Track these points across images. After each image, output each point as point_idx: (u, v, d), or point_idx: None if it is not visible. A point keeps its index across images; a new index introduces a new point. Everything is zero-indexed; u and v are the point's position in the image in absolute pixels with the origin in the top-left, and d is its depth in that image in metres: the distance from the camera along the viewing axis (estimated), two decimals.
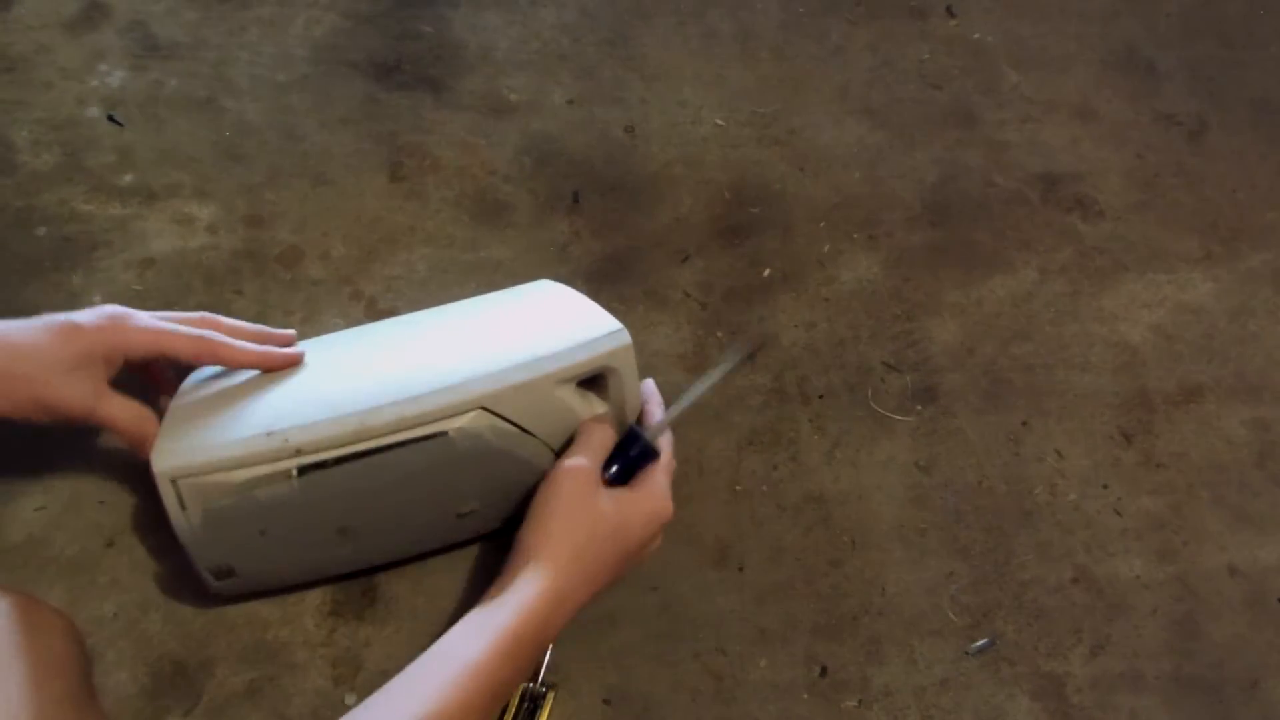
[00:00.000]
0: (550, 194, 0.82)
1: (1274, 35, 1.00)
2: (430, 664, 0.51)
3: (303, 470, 0.55)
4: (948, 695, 0.64)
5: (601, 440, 0.60)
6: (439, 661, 0.51)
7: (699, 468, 0.71)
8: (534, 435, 0.59)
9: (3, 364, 0.53)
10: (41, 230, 0.75)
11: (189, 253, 0.75)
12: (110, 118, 0.81)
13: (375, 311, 0.74)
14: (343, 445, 0.55)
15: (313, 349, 0.62)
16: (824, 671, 0.64)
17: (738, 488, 0.70)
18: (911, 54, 0.94)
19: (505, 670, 0.51)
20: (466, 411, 0.56)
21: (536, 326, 0.62)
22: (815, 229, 0.83)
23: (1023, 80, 0.94)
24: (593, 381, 0.61)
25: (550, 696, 0.60)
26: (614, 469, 0.59)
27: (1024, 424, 0.75)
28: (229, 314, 0.71)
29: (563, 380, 0.59)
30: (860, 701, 0.63)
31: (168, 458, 0.54)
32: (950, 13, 0.98)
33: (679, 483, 0.69)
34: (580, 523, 0.56)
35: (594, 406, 0.61)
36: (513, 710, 0.60)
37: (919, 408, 0.75)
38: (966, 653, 0.65)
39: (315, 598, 0.63)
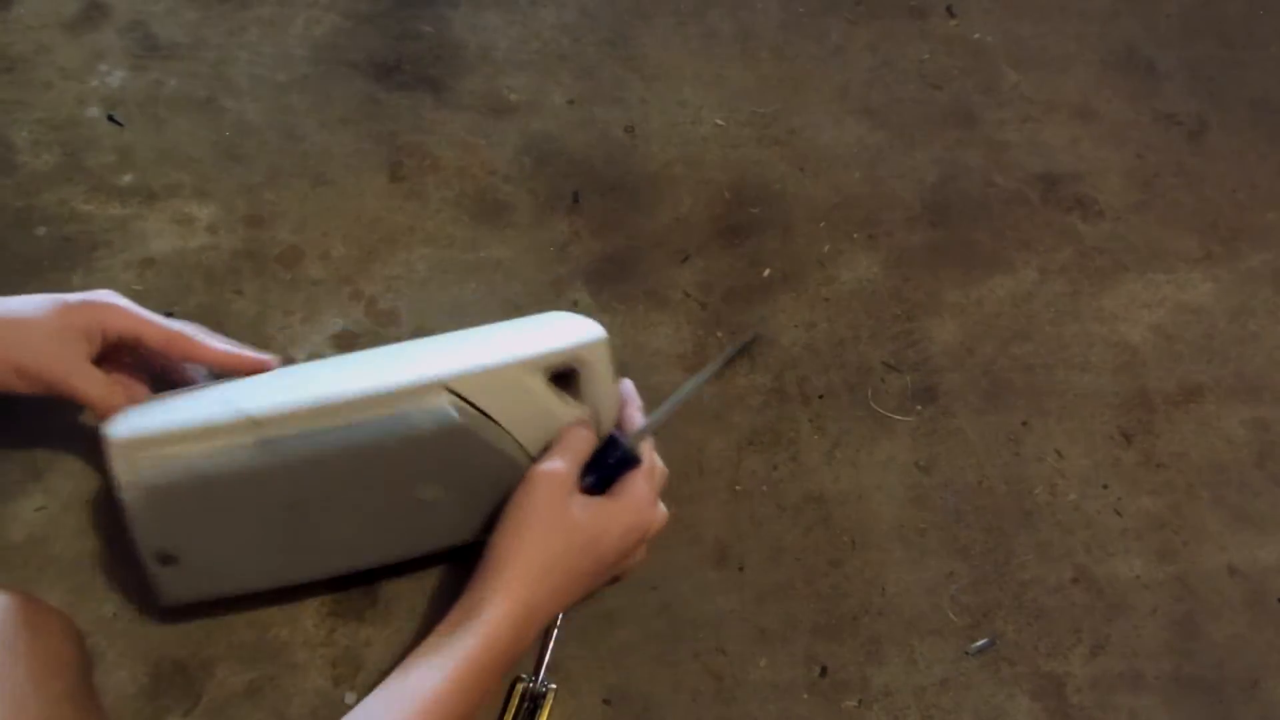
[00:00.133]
0: (550, 194, 0.82)
1: (1274, 35, 1.00)
2: (390, 699, 0.50)
3: (260, 445, 0.54)
4: (948, 695, 0.64)
5: (579, 445, 0.58)
6: (399, 697, 0.49)
7: (699, 468, 0.71)
8: (501, 426, 0.57)
9: None
10: (41, 230, 0.75)
11: (189, 253, 0.75)
12: (110, 118, 0.81)
13: (375, 311, 0.74)
14: (302, 422, 0.54)
15: (293, 367, 0.63)
16: (824, 671, 0.64)
17: (738, 488, 0.70)
18: (911, 54, 0.94)
19: (470, 700, 0.50)
20: (430, 392, 0.55)
21: (515, 331, 0.62)
22: (815, 229, 0.83)
23: (1023, 80, 0.94)
24: (569, 384, 0.59)
25: (550, 696, 0.60)
26: (592, 477, 0.57)
27: (1024, 424, 0.75)
28: (229, 314, 0.71)
29: (532, 369, 0.57)
30: (860, 701, 0.63)
31: (121, 426, 0.54)
32: (950, 13, 0.98)
33: (679, 483, 0.69)
34: (553, 532, 0.54)
35: (572, 411, 0.59)
36: (513, 710, 0.60)
37: (919, 408, 0.75)
38: (966, 653, 0.65)
39: (315, 598, 0.63)
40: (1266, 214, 0.88)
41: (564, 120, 0.86)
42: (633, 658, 0.63)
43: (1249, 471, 0.74)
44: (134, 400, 0.59)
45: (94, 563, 0.63)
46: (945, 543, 0.69)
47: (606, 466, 0.58)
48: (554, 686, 0.61)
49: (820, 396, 0.74)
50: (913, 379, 0.76)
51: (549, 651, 0.61)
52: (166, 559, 0.56)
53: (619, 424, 0.61)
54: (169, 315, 0.62)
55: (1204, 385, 0.78)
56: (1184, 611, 0.68)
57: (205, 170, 0.79)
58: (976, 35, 0.97)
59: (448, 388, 0.55)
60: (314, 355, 0.72)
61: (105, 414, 0.57)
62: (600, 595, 0.65)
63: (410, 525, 0.59)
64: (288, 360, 0.64)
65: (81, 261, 0.74)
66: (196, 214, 0.77)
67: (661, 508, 0.61)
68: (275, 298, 0.74)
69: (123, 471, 0.53)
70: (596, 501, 0.56)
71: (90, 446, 0.66)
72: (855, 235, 0.83)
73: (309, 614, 0.63)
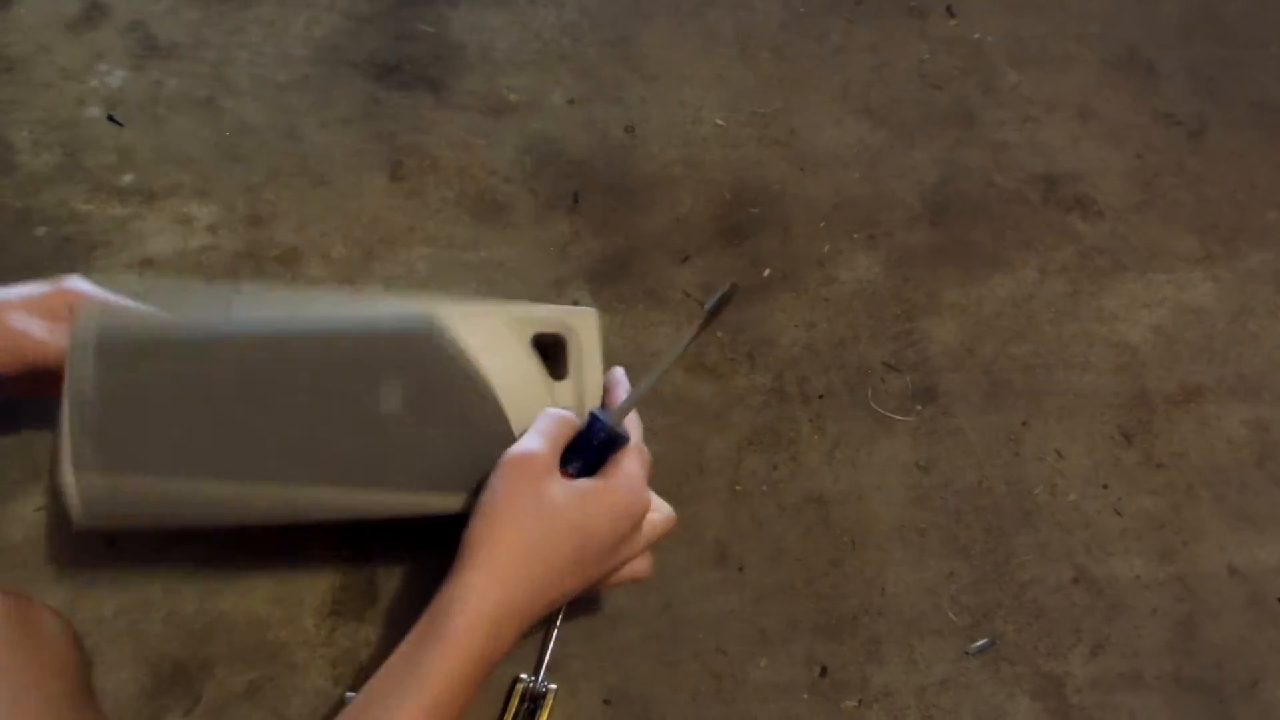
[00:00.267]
0: (550, 194, 0.82)
1: (1274, 35, 1.00)
2: None
3: (222, 321, 0.53)
4: (948, 695, 0.64)
5: (560, 428, 0.53)
6: None
7: (699, 468, 0.71)
8: (479, 369, 0.54)
9: None
10: (41, 230, 0.75)
11: (189, 253, 0.75)
12: (110, 118, 0.81)
13: None
14: (272, 314, 0.54)
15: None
16: (824, 671, 0.64)
17: (738, 488, 0.70)
18: (911, 54, 0.94)
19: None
20: (412, 316, 0.54)
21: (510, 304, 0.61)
22: (815, 229, 0.83)
23: (1023, 80, 0.94)
24: (556, 358, 0.57)
25: (550, 696, 0.60)
26: (578, 463, 0.53)
27: (1024, 424, 0.75)
28: None
29: (516, 321, 0.56)
30: (860, 701, 0.63)
31: (92, 315, 0.53)
32: (950, 13, 0.98)
33: (679, 483, 0.69)
34: (529, 517, 0.50)
35: (556, 395, 0.57)
36: (513, 710, 0.60)
37: (919, 408, 0.75)
38: (966, 653, 0.65)
39: (315, 598, 0.63)
40: (1266, 214, 0.88)
41: (564, 120, 0.86)
42: (633, 658, 0.63)
43: (1249, 471, 0.74)
44: None
45: (94, 563, 0.63)
46: (945, 543, 0.69)
47: (591, 449, 0.53)
48: (554, 686, 0.61)
49: (820, 396, 0.74)
50: (913, 379, 0.76)
51: (549, 651, 0.61)
52: (98, 447, 0.51)
53: (603, 405, 0.58)
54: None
55: (1204, 385, 0.78)
56: (1184, 611, 0.68)
57: (205, 170, 0.79)
58: (976, 35, 0.97)
59: (431, 319, 0.54)
60: None
61: None
62: (600, 597, 0.65)
63: (369, 451, 0.54)
64: None
65: (81, 261, 0.74)
66: (196, 214, 0.77)
67: (667, 507, 0.57)
68: None
69: (78, 326, 0.52)
70: (579, 483, 0.52)
71: None
72: (855, 235, 0.83)
73: (309, 614, 0.63)
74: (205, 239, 0.76)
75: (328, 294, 0.62)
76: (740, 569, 0.67)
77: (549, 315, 0.57)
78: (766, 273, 0.80)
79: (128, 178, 0.78)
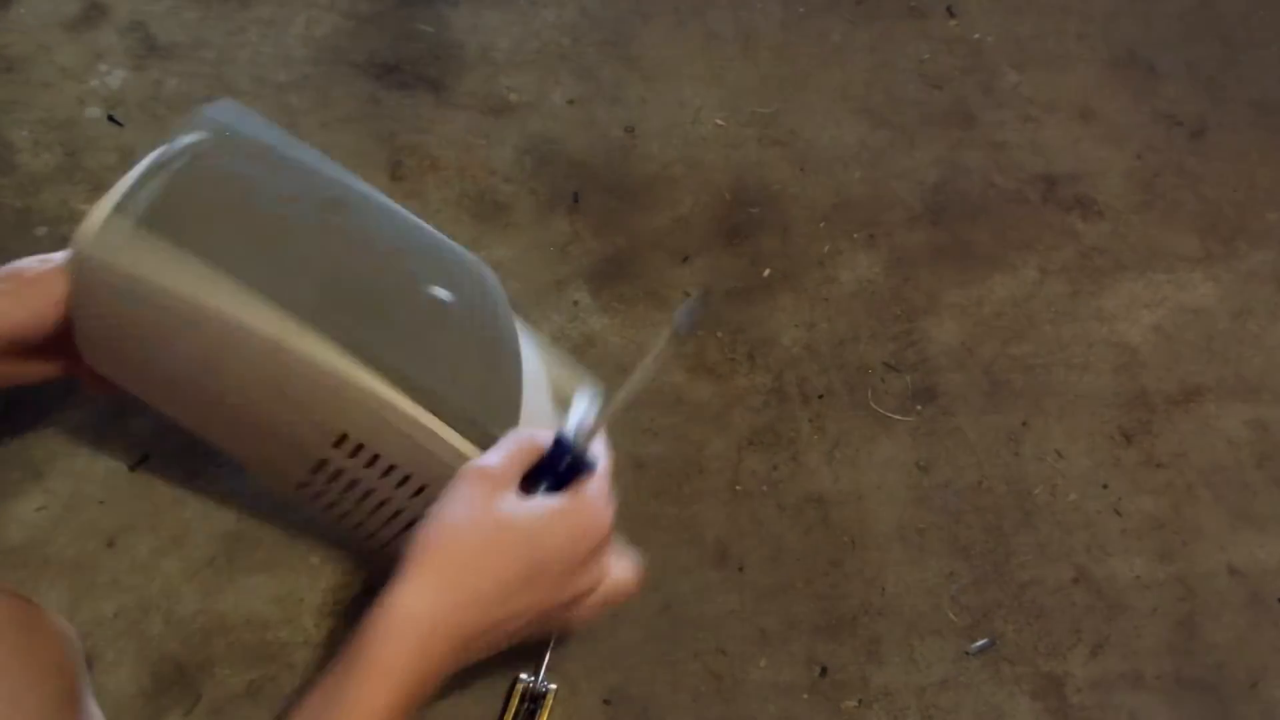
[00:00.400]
0: (550, 194, 0.82)
1: (1274, 35, 1.00)
2: None
3: (326, 177, 0.53)
4: (948, 695, 0.64)
5: (520, 448, 0.49)
6: None
7: (699, 468, 0.71)
8: (518, 331, 0.56)
9: (31, 268, 0.52)
10: (41, 230, 0.75)
11: None
12: (110, 118, 0.81)
13: None
14: (369, 192, 0.55)
15: None
16: (824, 671, 0.64)
17: (738, 488, 0.70)
18: (911, 54, 0.94)
19: None
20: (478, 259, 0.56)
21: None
22: (815, 229, 0.83)
23: (1023, 80, 0.94)
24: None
25: (550, 696, 0.60)
26: (543, 487, 0.49)
27: (1024, 424, 0.75)
28: None
29: (541, 345, 0.57)
30: (860, 701, 0.63)
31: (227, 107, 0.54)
32: (950, 13, 0.98)
33: (679, 483, 0.69)
34: (475, 525, 0.45)
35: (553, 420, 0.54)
36: (513, 710, 0.60)
37: (919, 408, 0.75)
38: (966, 653, 0.65)
39: (315, 598, 0.63)
40: (1266, 214, 0.88)
41: (564, 120, 0.86)
42: (633, 658, 0.63)
43: (1249, 471, 0.74)
44: None
45: (94, 563, 0.63)
46: (945, 543, 0.69)
47: (556, 473, 0.49)
48: (554, 686, 0.61)
49: (820, 396, 0.74)
50: (913, 379, 0.76)
51: (549, 651, 0.61)
52: (153, 203, 0.47)
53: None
54: None
55: (1204, 385, 0.78)
56: (1184, 611, 0.68)
57: None
58: (976, 35, 0.97)
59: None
60: None
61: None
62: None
63: (407, 338, 0.50)
64: None
65: None
66: None
67: (632, 564, 0.52)
68: None
69: (209, 107, 0.52)
70: (534, 499, 0.47)
71: (90, 447, 0.66)
72: (855, 235, 0.83)
73: (309, 614, 0.63)
74: None
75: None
76: (740, 569, 0.67)
77: (565, 370, 0.57)
78: (766, 273, 0.80)
79: None
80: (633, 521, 0.68)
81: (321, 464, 0.51)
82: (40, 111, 0.81)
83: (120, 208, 0.47)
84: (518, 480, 0.48)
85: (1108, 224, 0.86)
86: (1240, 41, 0.99)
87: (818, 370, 0.76)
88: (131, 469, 0.65)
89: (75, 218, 0.76)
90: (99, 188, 0.77)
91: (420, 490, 0.52)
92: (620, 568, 0.52)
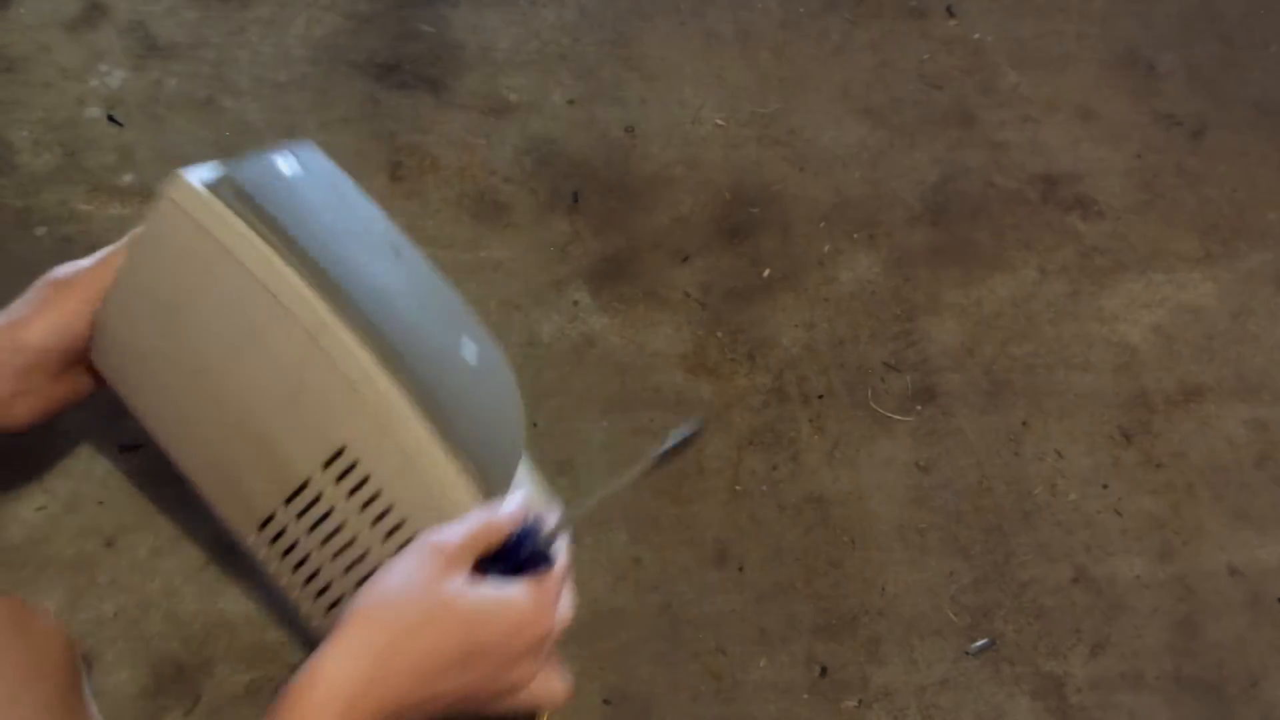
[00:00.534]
0: (550, 194, 0.82)
1: (1274, 35, 1.00)
2: None
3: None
4: (948, 695, 0.64)
5: (485, 530, 0.47)
6: None
7: (699, 468, 0.71)
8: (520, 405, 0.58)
9: (66, 273, 0.53)
10: (41, 230, 0.75)
11: None
12: (110, 118, 0.81)
13: None
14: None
15: None
16: (824, 671, 0.64)
17: (738, 488, 0.70)
18: (911, 54, 0.94)
19: None
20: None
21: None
22: (815, 229, 0.83)
23: (1023, 80, 0.94)
24: None
25: None
26: (497, 572, 0.48)
27: (1024, 424, 0.75)
28: None
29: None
30: (860, 701, 0.63)
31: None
32: (950, 13, 0.98)
33: (679, 483, 0.69)
34: (418, 599, 0.44)
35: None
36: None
37: (919, 408, 0.75)
38: (966, 653, 0.65)
39: None
40: (1266, 214, 0.88)
41: (564, 120, 0.86)
42: (633, 658, 0.63)
43: (1249, 471, 0.74)
44: None
45: (94, 563, 0.63)
46: (945, 543, 0.69)
47: (514, 561, 0.48)
48: None
49: (820, 396, 0.74)
50: (913, 379, 0.76)
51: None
52: (244, 183, 0.49)
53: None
54: None
55: (1204, 385, 0.78)
56: (1184, 611, 0.68)
57: None
58: (976, 35, 0.97)
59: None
60: None
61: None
62: (600, 597, 0.65)
63: (434, 364, 0.51)
64: None
65: None
66: None
67: (562, 679, 0.51)
68: None
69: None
70: (484, 584, 0.46)
71: (90, 446, 0.66)
72: (855, 235, 0.83)
73: None
74: None
75: None
76: (740, 569, 0.67)
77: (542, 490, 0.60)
78: (766, 273, 0.80)
79: (128, 178, 0.78)
80: (633, 521, 0.68)
81: (302, 487, 0.50)
82: (40, 111, 0.81)
83: (210, 179, 0.50)
84: (472, 562, 0.47)
85: (1108, 224, 0.86)
86: (1240, 41, 0.99)
87: (818, 370, 0.76)
88: (132, 468, 0.65)
89: (75, 218, 0.76)
90: (99, 188, 0.77)
91: (393, 531, 0.51)
92: (555, 676, 0.51)
